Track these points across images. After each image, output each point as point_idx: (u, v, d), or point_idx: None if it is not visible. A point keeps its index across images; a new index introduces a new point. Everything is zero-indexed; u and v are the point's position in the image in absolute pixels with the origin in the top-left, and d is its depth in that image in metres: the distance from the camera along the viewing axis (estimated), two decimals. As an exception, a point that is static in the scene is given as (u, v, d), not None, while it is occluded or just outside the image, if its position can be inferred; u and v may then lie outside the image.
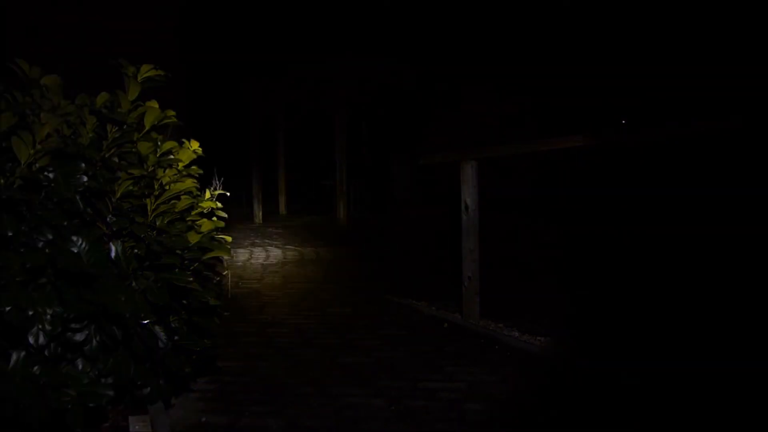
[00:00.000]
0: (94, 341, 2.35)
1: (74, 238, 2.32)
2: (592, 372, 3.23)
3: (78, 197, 2.41)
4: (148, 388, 2.57)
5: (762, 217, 3.93)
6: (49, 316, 2.17)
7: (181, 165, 2.82)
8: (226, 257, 2.96)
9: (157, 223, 2.69)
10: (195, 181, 2.86)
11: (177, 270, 2.61)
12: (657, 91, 6.44)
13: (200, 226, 2.82)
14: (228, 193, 3.26)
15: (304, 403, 2.86)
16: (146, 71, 2.67)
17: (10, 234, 2.18)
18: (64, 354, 2.31)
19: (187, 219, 2.83)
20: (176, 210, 2.76)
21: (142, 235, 2.56)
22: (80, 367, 2.35)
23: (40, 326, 2.16)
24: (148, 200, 2.67)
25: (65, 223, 2.34)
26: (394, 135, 9.76)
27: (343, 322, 4.44)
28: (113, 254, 2.44)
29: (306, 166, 12.17)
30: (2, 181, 2.26)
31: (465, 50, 7.95)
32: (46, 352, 2.20)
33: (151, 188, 2.69)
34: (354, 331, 4.20)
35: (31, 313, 2.14)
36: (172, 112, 2.77)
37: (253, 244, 8.25)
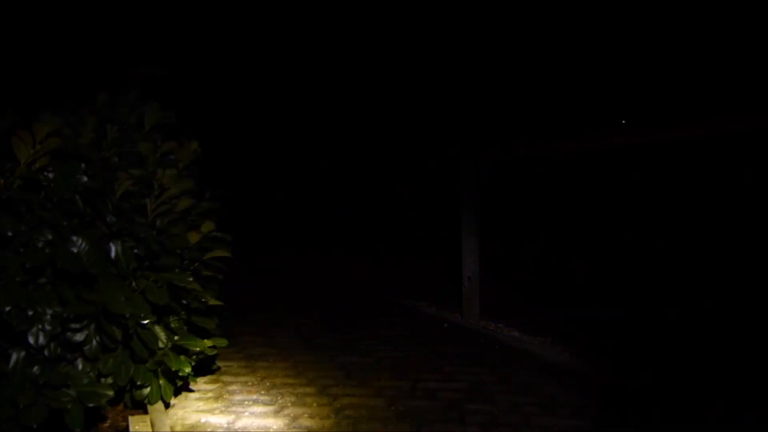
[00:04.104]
0: (94, 341, 2.35)
1: (74, 238, 2.33)
2: (591, 372, 3.23)
3: (78, 197, 2.41)
4: (148, 388, 2.57)
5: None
6: (49, 316, 2.17)
7: (181, 165, 2.82)
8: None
9: (157, 223, 2.69)
10: (194, 181, 2.87)
11: (177, 270, 2.61)
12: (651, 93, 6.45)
13: (200, 226, 2.82)
14: (228, 193, 3.26)
15: (304, 403, 2.86)
16: (146, 71, 2.67)
17: (10, 234, 2.19)
18: (64, 354, 2.31)
19: (188, 219, 2.83)
20: (176, 210, 2.76)
21: (142, 235, 2.56)
22: (80, 367, 2.35)
23: (40, 326, 2.16)
24: (148, 200, 2.67)
25: (65, 223, 2.34)
26: (395, 135, 9.76)
27: (342, 322, 4.44)
28: (113, 254, 2.44)
29: (305, 166, 12.17)
30: (2, 181, 2.26)
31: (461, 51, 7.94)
32: (46, 352, 2.21)
33: (151, 188, 2.69)
34: (354, 331, 4.20)
35: (31, 313, 2.14)
36: (172, 113, 2.77)
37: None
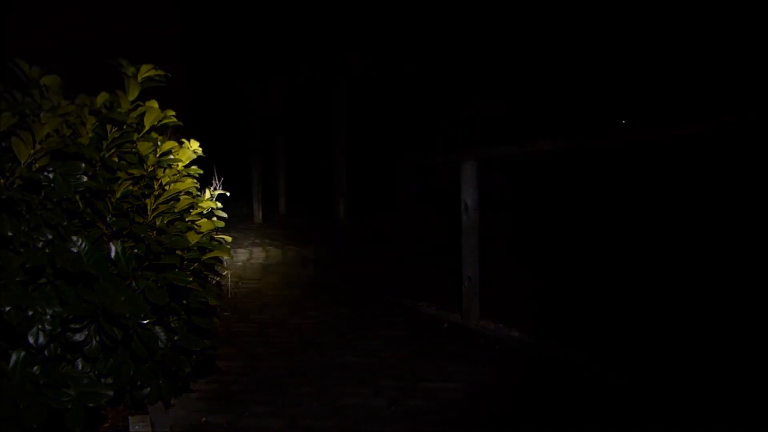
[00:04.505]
0: (94, 341, 2.35)
1: (74, 238, 2.33)
2: (590, 372, 3.23)
3: (78, 197, 2.41)
4: (148, 388, 2.57)
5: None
6: (48, 316, 2.17)
7: (180, 165, 2.82)
8: (226, 257, 2.96)
9: (157, 223, 2.69)
10: (195, 181, 2.86)
11: (177, 270, 2.61)
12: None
13: (200, 226, 2.82)
14: (228, 193, 3.27)
15: (304, 403, 2.86)
16: (146, 71, 2.67)
17: (10, 234, 2.18)
18: (64, 354, 2.31)
19: (187, 219, 2.83)
20: (176, 210, 2.76)
21: (142, 235, 2.56)
22: (80, 367, 2.35)
23: (40, 326, 2.16)
24: (148, 200, 2.67)
25: (65, 223, 2.34)
26: (396, 135, 9.76)
27: (342, 322, 4.44)
28: (113, 254, 2.44)
29: (306, 166, 12.18)
30: (2, 181, 2.26)
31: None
32: (46, 352, 2.20)
33: (151, 188, 2.69)
34: (354, 331, 4.20)
35: (31, 313, 2.14)
36: (172, 112, 2.77)
37: (253, 244, 8.24)
